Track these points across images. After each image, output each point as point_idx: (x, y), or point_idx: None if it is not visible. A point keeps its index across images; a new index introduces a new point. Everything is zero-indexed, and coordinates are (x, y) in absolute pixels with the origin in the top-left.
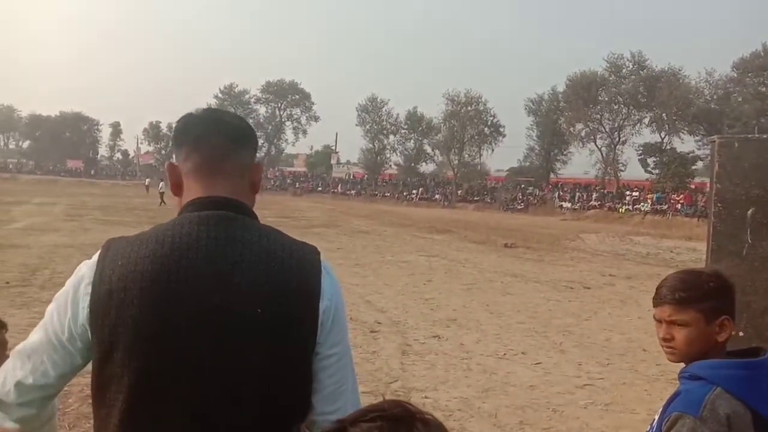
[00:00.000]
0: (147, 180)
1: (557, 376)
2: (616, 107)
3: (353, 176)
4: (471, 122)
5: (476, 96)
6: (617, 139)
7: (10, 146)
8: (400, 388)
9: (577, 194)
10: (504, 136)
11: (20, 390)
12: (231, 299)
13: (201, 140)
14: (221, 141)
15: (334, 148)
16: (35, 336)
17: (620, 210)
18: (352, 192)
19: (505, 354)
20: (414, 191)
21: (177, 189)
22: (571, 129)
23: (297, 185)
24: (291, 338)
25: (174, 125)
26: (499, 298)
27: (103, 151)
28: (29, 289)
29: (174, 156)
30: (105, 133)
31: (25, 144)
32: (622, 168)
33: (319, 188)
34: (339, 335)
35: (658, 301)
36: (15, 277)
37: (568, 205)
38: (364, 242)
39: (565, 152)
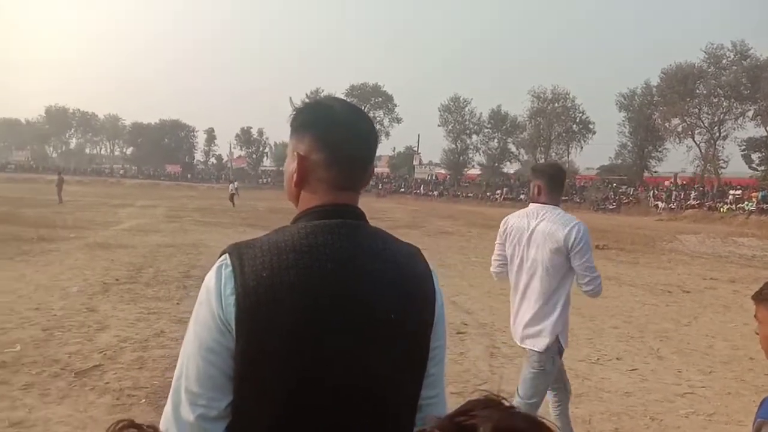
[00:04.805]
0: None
1: (655, 383)
2: (715, 100)
3: (436, 177)
4: (558, 119)
5: (563, 92)
6: (717, 134)
7: (116, 153)
8: (488, 390)
9: (674, 193)
10: (594, 133)
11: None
12: (369, 308)
13: (344, 150)
14: (364, 155)
15: (416, 149)
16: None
17: (721, 209)
18: (435, 193)
19: (598, 359)
20: (498, 191)
21: (302, 183)
22: (667, 124)
23: (380, 186)
24: (420, 339)
25: (302, 109)
26: (591, 302)
27: (198, 155)
28: (136, 286)
29: (295, 141)
30: (200, 139)
31: (129, 150)
32: (724, 165)
33: (402, 189)
34: (443, 328)
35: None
36: (123, 275)
37: (664, 204)
38: (448, 243)
39: (660, 149)
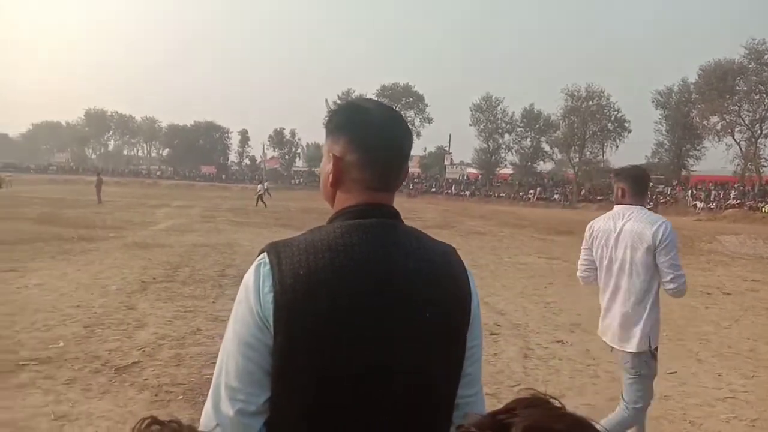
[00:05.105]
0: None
1: (694, 387)
2: (757, 97)
3: (467, 177)
4: (593, 118)
5: (598, 90)
6: (759, 131)
7: (152, 154)
8: (534, 389)
9: (713, 192)
10: (629, 131)
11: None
12: (403, 306)
13: (378, 151)
14: (398, 155)
15: (447, 148)
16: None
17: (763, 209)
18: (466, 193)
19: None
20: (531, 191)
21: (338, 183)
22: (705, 122)
23: (411, 186)
24: (456, 339)
25: (336, 111)
26: None
27: (233, 157)
28: (173, 284)
29: (330, 142)
30: (234, 140)
31: (165, 152)
32: (766, 163)
33: (433, 189)
34: (479, 327)
35: None
36: (160, 274)
37: (703, 204)
38: (480, 243)
39: (698, 147)
